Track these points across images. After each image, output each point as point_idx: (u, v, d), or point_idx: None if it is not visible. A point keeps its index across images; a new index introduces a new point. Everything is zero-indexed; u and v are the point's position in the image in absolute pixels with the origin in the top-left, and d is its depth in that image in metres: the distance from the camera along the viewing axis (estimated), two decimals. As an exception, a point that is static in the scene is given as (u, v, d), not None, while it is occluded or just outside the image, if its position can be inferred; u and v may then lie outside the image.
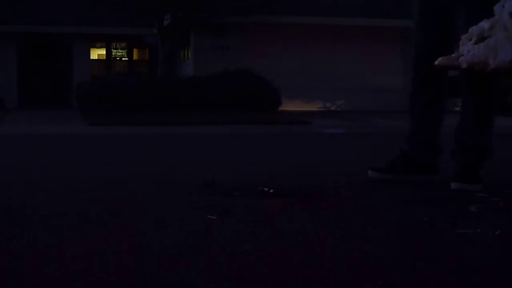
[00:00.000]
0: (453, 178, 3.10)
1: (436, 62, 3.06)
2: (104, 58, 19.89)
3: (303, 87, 16.38)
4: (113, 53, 20.15)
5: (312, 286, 1.54)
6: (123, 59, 20.27)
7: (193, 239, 2.01)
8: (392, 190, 3.07)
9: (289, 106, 14.28)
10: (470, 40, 2.98)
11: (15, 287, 1.53)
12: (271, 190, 2.88)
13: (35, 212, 2.40)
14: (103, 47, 19.86)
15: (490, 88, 3.22)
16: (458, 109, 3.42)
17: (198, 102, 13.59)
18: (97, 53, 19.79)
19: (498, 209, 2.56)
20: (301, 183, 3.33)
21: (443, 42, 3.26)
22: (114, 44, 20.03)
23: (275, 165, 4.30)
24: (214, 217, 2.31)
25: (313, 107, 15.40)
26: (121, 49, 20.21)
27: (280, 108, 14.14)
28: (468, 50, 2.96)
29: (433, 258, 1.78)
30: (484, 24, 2.96)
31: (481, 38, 2.96)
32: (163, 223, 2.26)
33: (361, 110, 15.40)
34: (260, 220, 2.29)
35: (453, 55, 3.05)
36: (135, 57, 20.37)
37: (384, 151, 5.78)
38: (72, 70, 18.44)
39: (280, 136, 8.20)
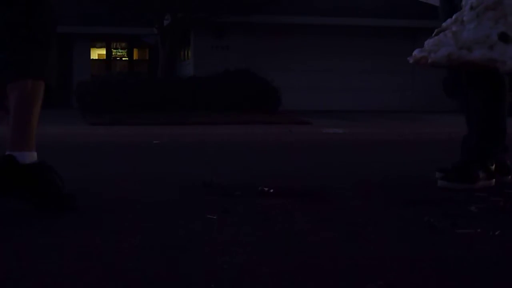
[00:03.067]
0: (441, 177, 3.10)
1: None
2: (104, 58, 19.90)
3: (303, 87, 16.39)
4: (113, 53, 20.16)
5: (312, 286, 1.54)
6: (123, 59, 20.28)
7: (193, 239, 2.01)
8: (392, 190, 3.07)
9: (289, 106, 14.28)
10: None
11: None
12: (271, 190, 2.88)
13: (33, 214, 2.40)
14: (103, 47, 19.87)
15: (491, 89, 3.16)
16: None
17: (198, 102, 13.60)
18: (97, 53, 19.80)
19: (498, 209, 2.56)
20: (302, 183, 3.33)
21: None
22: (114, 44, 20.04)
23: (275, 166, 4.30)
24: (214, 217, 2.31)
25: (313, 107, 15.40)
26: (121, 49, 20.22)
27: (280, 108, 14.15)
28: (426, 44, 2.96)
29: (433, 258, 1.78)
30: (452, 18, 2.95)
31: (437, 33, 2.95)
32: (163, 223, 2.26)
33: (362, 110, 15.40)
34: (260, 220, 2.29)
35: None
36: (135, 57, 20.38)
37: (384, 150, 5.79)
38: (72, 70, 18.45)
39: (280, 136, 8.19)
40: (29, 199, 2.39)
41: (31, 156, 2.44)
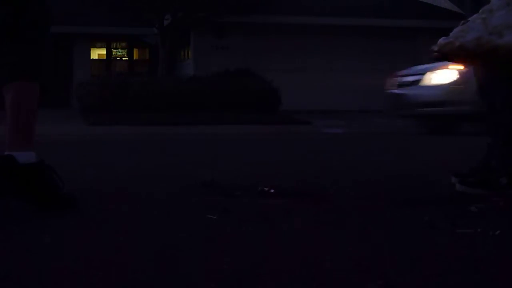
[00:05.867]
0: (460, 181, 2.99)
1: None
2: (104, 58, 19.90)
3: (303, 87, 16.39)
4: (113, 53, 20.16)
5: (312, 286, 1.54)
6: (123, 59, 20.28)
7: (193, 239, 2.01)
8: (392, 190, 3.07)
9: (289, 106, 14.28)
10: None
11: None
12: (271, 190, 2.88)
13: (33, 214, 2.40)
14: (103, 47, 19.87)
15: None
16: None
17: (198, 102, 13.59)
18: (97, 53, 19.80)
19: (498, 209, 2.56)
20: (302, 183, 3.33)
21: None
22: (114, 44, 20.04)
23: (275, 165, 4.30)
24: (214, 217, 2.31)
25: (313, 107, 15.39)
26: (121, 49, 20.22)
27: (280, 108, 14.15)
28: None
29: (433, 258, 1.78)
30: (480, 11, 2.86)
31: (464, 24, 2.86)
32: (163, 222, 2.26)
33: (362, 110, 15.40)
34: (260, 220, 2.29)
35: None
36: (135, 57, 20.38)
37: (384, 151, 5.79)
38: (72, 70, 18.44)
39: (280, 136, 8.20)
40: (29, 199, 2.39)
41: (30, 156, 2.43)
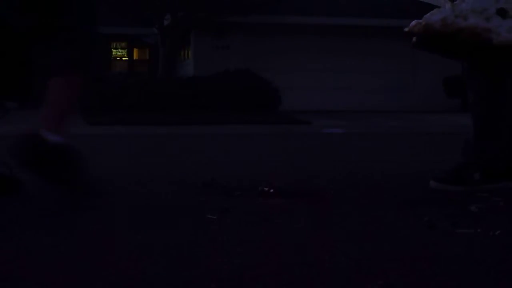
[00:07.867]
0: (433, 177, 3.03)
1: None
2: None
3: (303, 87, 16.39)
4: (113, 53, 20.15)
5: (312, 286, 1.54)
6: (123, 59, 20.28)
7: (193, 239, 2.01)
8: (392, 190, 3.07)
9: (289, 106, 14.28)
10: None
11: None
12: (271, 190, 2.88)
13: (33, 213, 2.40)
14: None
15: (489, 83, 3.02)
16: None
17: (198, 102, 13.59)
18: (97, 53, 19.77)
19: (498, 209, 2.56)
20: (301, 183, 3.33)
21: None
22: (114, 44, 20.04)
23: (275, 165, 4.30)
24: (214, 217, 2.31)
25: (313, 107, 15.40)
26: (121, 49, 20.22)
27: (280, 108, 14.15)
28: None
29: (433, 258, 1.78)
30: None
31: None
32: (162, 222, 2.26)
33: (362, 110, 15.41)
34: (260, 220, 2.29)
35: None
36: (135, 57, 20.38)
37: (384, 151, 5.79)
38: (72, 70, 18.42)
39: (280, 136, 8.20)
40: (54, 180, 2.44)
41: (59, 139, 2.54)
